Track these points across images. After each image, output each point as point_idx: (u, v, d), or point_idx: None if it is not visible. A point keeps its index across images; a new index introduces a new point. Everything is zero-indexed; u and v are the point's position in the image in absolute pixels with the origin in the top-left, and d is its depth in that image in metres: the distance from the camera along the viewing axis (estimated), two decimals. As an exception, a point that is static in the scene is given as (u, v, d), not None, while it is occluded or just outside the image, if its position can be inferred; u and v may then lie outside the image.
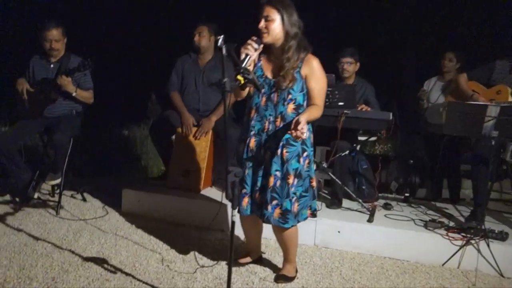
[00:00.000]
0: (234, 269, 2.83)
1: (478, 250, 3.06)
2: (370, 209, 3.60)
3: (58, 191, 4.01)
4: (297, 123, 2.26)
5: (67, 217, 3.63)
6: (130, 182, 4.30)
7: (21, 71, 3.90)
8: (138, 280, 2.58)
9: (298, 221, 2.56)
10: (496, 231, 3.15)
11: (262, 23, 2.40)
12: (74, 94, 3.63)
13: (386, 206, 3.84)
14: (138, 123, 7.89)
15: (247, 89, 2.47)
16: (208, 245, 3.24)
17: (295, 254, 2.77)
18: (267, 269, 2.88)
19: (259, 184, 2.51)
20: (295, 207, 2.49)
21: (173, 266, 2.83)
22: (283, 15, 2.39)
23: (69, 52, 3.82)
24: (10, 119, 3.61)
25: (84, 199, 4.08)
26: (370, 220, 3.38)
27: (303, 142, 2.49)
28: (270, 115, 2.50)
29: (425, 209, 3.93)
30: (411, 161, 4.99)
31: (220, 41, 2.05)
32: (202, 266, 2.84)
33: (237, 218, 2.27)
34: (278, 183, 2.47)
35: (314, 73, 2.46)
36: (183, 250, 3.09)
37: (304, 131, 2.26)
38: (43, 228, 3.34)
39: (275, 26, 2.40)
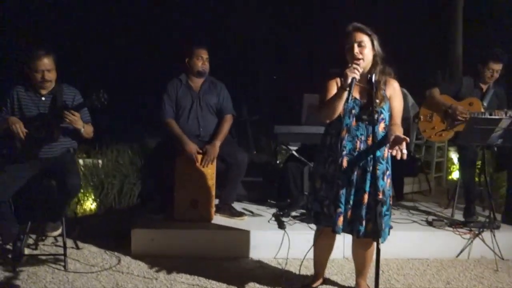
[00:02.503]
0: (311, 294, 2.89)
1: (483, 241, 3.61)
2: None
3: (53, 241, 3.53)
4: (403, 140, 2.36)
5: (81, 270, 3.21)
6: (130, 220, 3.92)
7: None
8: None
9: (384, 239, 2.72)
10: (490, 222, 3.72)
11: (357, 49, 2.51)
12: (82, 131, 3.22)
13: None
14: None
15: (339, 111, 2.54)
16: (259, 274, 3.20)
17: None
18: (337, 288, 2.99)
19: (351, 202, 2.59)
20: (382, 224, 2.64)
21: (256, 302, 2.76)
22: (373, 39, 2.55)
23: (60, 82, 3.36)
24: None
25: (77, 247, 3.62)
26: (391, 227, 3.70)
27: (387, 161, 2.66)
28: (361, 134, 2.58)
29: (404, 209, 4.43)
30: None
31: (373, 77, 2.13)
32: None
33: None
34: (371, 199, 2.59)
35: (396, 93, 2.65)
36: (242, 283, 3.01)
37: (405, 150, 2.41)
38: (75, 286, 2.92)
39: (367, 51, 2.53)
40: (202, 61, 3.91)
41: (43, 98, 3.28)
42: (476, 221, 3.77)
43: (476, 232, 3.61)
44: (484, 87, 4.09)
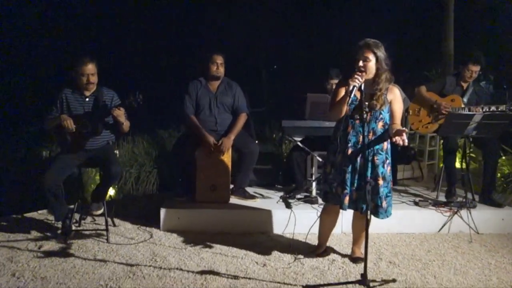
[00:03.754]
0: (315, 259, 3.51)
1: (461, 217, 4.22)
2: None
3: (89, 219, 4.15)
4: (403, 131, 2.95)
5: (121, 242, 3.83)
6: (157, 201, 4.54)
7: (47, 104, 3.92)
8: (272, 282, 3.09)
9: (387, 216, 3.29)
10: (467, 202, 4.33)
11: (361, 63, 3.06)
12: (124, 125, 3.82)
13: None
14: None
15: (344, 111, 3.11)
16: (271, 245, 3.81)
17: (363, 240, 3.54)
18: (336, 255, 3.61)
19: (355, 185, 3.18)
20: (384, 204, 3.21)
21: (271, 265, 3.37)
22: (378, 56, 3.09)
23: (100, 85, 3.95)
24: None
25: (114, 224, 4.23)
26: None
27: (387, 152, 3.24)
28: (364, 130, 3.12)
29: (396, 192, 5.02)
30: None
31: (362, 86, 2.74)
32: (295, 260, 3.44)
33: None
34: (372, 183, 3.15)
35: (396, 98, 3.21)
36: (259, 251, 3.62)
37: (405, 138, 2.98)
38: (119, 254, 3.53)
39: (371, 65, 3.08)
40: (216, 66, 4.49)
41: (87, 99, 3.89)
42: (456, 201, 4.38)
43: (455, 210, 4.21)
44: (465, 85, 4.68)
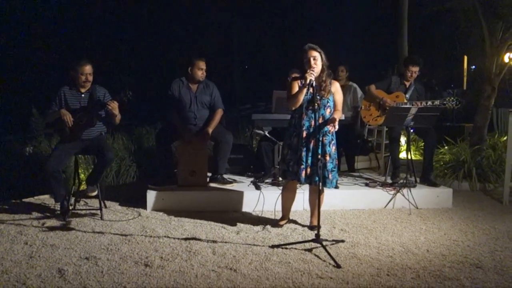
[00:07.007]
0: (279, 228, 4.21)
1: (403, 195, 5.01)
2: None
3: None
4: (334, 120, 3.77)
5: (114, 219, 4.44)
6: (140, 188, 5.15)
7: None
8: (244, 244, 3.77)
9: (333, 186, 4.01)
10: (408, 182, 5.12)
11: (312, 62, 3.81)
12: (117, 117, 4.42)
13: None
14: (38, 139, 8.08)
15: (301, 102, 3.83)
16: (243, 219, 4.49)
17: (319, 211, 4.26)
18: (297, 226, 4.32)
19: (309, 161, 3.89)
20: (330, 176, 3.94)
21: (244, 233, 4.05)
22: (321, 55, 3.85)
23: (94, 83, 4.55)
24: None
25: (105, 206, 4.83)
26: (337, 187, 5.06)
27: (333, 134, 3.96)
28: (314, 116, 3.85)
29: (351, 177, 5.80)
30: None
31: (313, 82, 3.46)
32: (263, 229, 4.14)
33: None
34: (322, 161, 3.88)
35: (337, 90, 3.97)
36: (233, 224, 4.30)
37: (337, 125, 3.77)
38: (113, 228, 4.14)
39: (319, 62, 3.84)
40: (202, 71, 5.14)
41: (82, 95, 4.48)
42: (399, 182, 5.17)
43: (398, 189, 5.00)
44: (407, 83, 5.49)
